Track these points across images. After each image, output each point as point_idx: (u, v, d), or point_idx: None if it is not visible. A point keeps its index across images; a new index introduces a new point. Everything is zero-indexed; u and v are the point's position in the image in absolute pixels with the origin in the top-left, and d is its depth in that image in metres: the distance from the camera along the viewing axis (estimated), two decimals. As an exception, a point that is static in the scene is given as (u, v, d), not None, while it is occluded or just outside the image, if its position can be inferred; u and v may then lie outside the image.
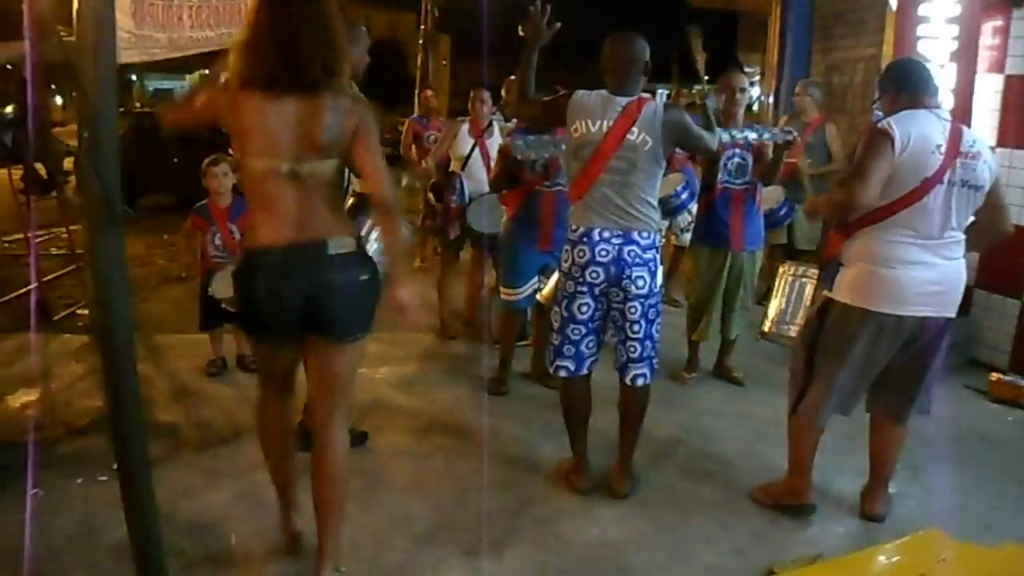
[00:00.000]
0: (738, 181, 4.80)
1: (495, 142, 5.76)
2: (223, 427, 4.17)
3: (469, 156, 5.78)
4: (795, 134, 4.78)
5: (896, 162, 3.00)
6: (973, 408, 4.86)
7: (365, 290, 2.70)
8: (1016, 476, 3.96)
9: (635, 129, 3.33)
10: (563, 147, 4.32)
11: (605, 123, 3.36)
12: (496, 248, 5.47)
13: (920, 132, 3.03)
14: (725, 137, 4.53)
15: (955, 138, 3.06)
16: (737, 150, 4.75)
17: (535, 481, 3.74)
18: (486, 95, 5.92)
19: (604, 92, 3.44)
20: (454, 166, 5.89)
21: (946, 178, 3.02)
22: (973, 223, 3.20)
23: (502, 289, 4.87)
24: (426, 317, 5.89)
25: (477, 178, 5.73)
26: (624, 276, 3.38)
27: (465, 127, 5.87)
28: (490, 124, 5.86)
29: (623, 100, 3.38)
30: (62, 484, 3.51)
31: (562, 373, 3.60)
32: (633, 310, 3.43)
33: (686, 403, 4.77)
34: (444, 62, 25.71)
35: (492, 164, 5.71)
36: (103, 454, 3.44)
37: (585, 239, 3.41)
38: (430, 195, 5.96)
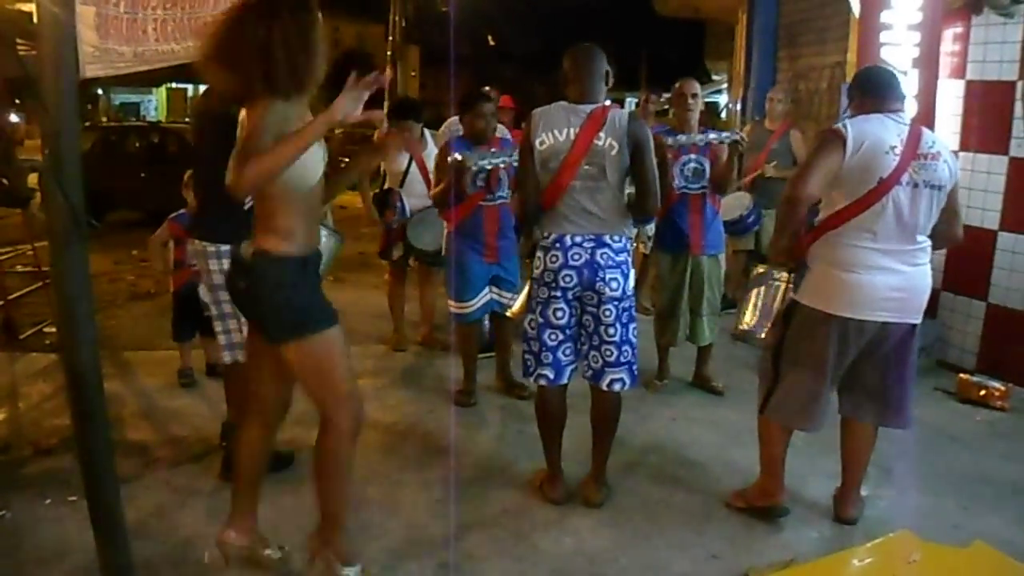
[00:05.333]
0: (695, 186, 4.83)
1: (431, 154, 5.63)
2: (194, 444, 4.12)
3: (407, 171, 5.62)
4: (741, 135, 4.82)
5: (848, 162, 3.07)
6: (942, 409, 4.92)
7: (247, 295, 2.76)
8: (985, 476, 4.01)
9: (602, 135, 3.36)
10: (508, 157, 4.37)
11: (571, 131, 3.38)
12: (443, 262, 5.47)
13: (874, 134, 3.09)
14: (682, 139, 4.60)
15: (913, 140, 3.12)
16: (693, 155, 4.80)
17: (509, 492, 3.74)
18: None
19: (563, 103, 3.46)
20: (391, 182, 5.70)
21: (904, 179, 3.07)
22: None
23: (452, 303, 4.82)
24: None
25: (417, 193, 5.57)
26: (598, 279, 3.39)
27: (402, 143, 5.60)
28: (423, 136, 5.70)
29: (587, 108, 3.41)
30: (30, 505, 3.46)
31: (542, 382, 3.58)
32: (608, 313, 3.44)
33: (658, 410, 4.78)
34: (413, 73, 25.74)
35: (430, 176, 5.57)
36: (72, 474, 3.39)
37: (557, 244, 3.42)
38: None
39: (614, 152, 3.37)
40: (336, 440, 2.81)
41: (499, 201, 4.58)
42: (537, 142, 3.44)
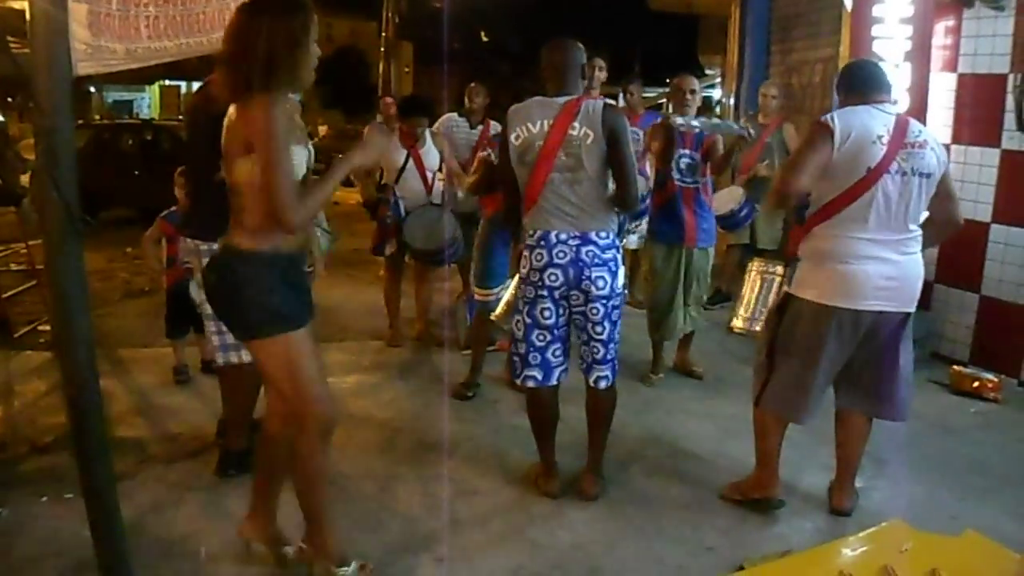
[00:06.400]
0: (688, 180, 4.89)
1: (428, 151, 5.66)
2: (189, 441, 4.12)
3: (403, 168, 5.61)
4: (749, 130, 4.83)
5: (837, 154, 3.09)
6: (936, 401, 4.95)
7: (217, 288, 2.75)
8: (979, 467, 4.03)
9: (576, 124, 3.32)
10: None
11: (546, 122, 3.36)
12: (440, 261, 5.49)
13: (861, 124, 3.12)
14: (692, 122, 4.62)
15: (900, 129, 3.14)
16: (687, 150, 4.85)
17: (505, 486, 3.75)
18: (389, 99, 5.78)
19: (540, 98, 3.45)
20: (387, 178, 5.69)
21: (892, 168, 3.10)
22: (927, 218, 3.28)
23: (475, 290, 4.88)
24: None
25: (413, 190, 5.59)
26: (584, 277, 3.36)
27: (395, 137, 5.64)
28: (421, 134, 5.69)
29: (561, 100, 3.39)
30: (27, 503, 3.46)
31: (530, 383, 3.55)
32: (595, 311, 3.41)
33: (654, 403, 4.80)
34: (406, 69, 25.67)
35: (427, 174, 5.64)
36: (68, 471, 3.38)
37: (542, 242, 3.39)
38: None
39: (590, 140, 3.33)
40: (306, 442, 2.78)
41: None
42: (512, 136, 3.42)
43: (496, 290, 4.76)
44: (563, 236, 3.38)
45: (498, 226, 4.69)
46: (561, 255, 3.37)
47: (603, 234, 3.41)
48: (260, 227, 2.63)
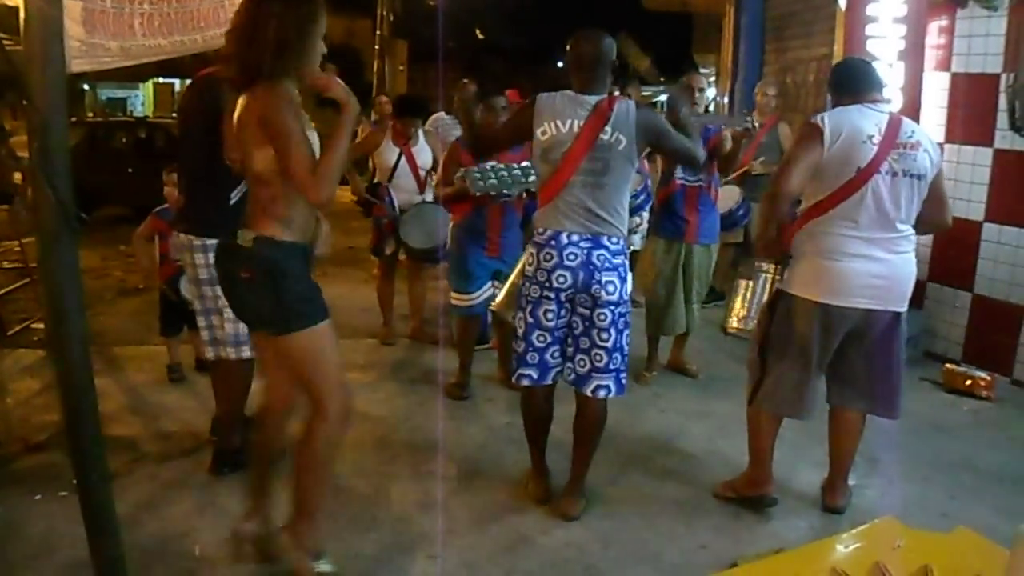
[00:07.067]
0: (691, 179, 4.89)
1: (421, 149, 5.67)
2: (184, 438, 4.12)
3: (396, 166, 5.60)
4: (753, 122, 4.86)
5: (827, 154, 3.11)
6: (929, 399, 4.97)
7: (248, 283, 2.69)
8: (972, 465, 4.05)
9: (608, 128, 3.20)
10: (526, 178, 4.41)
11: (576, 123, 3.22)
12: (435, 259, 5.52)
13: (852, 124, 3.13)
14: (689, 115, 4.66)
15: (892, 129, 3.15)
16: None
17: (499, 484, 3.75)
18: (384, 98, 5.81)
19: (569, 92, 3.30)
20: (380, 177, 5.70)
21: (884, 168, 3.11)
22: (916, 217, 3.29)
23: (453, 295, 4.86)
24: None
25: (406, 188, 5.60)
26: (593, 281, 3.24)
27: (388, 136, 5.66)
28: (415, 132, 5.69)
29: (592, 99, 3.25)
30: (21, 501, 3.45)
31: (525, 382, 3.47)
32: (603, 317, 3.29)
33: (648, 402, 4.81)
34: (401, 67, 25.60)
35: (419, 172, 5.66)
36: (62, 470, 3.38)
37: (552, 242, 3.27)
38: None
39: (621, 147, 3.21)
40: (330, 429, 2.79)
41: (503, 200, 4.58)
42: (539, 131, 3.28)
43: (475, 293, 4.75)
44: (574, 238, 3.26)
45: (468, 231, 4.71)
46: (572, 257, 3.25)
47: (614, 239, 3.29)
48: (291, 216, 2.64)
